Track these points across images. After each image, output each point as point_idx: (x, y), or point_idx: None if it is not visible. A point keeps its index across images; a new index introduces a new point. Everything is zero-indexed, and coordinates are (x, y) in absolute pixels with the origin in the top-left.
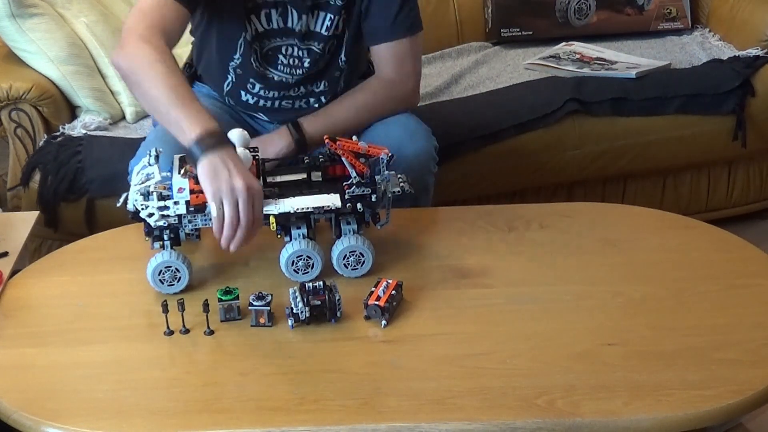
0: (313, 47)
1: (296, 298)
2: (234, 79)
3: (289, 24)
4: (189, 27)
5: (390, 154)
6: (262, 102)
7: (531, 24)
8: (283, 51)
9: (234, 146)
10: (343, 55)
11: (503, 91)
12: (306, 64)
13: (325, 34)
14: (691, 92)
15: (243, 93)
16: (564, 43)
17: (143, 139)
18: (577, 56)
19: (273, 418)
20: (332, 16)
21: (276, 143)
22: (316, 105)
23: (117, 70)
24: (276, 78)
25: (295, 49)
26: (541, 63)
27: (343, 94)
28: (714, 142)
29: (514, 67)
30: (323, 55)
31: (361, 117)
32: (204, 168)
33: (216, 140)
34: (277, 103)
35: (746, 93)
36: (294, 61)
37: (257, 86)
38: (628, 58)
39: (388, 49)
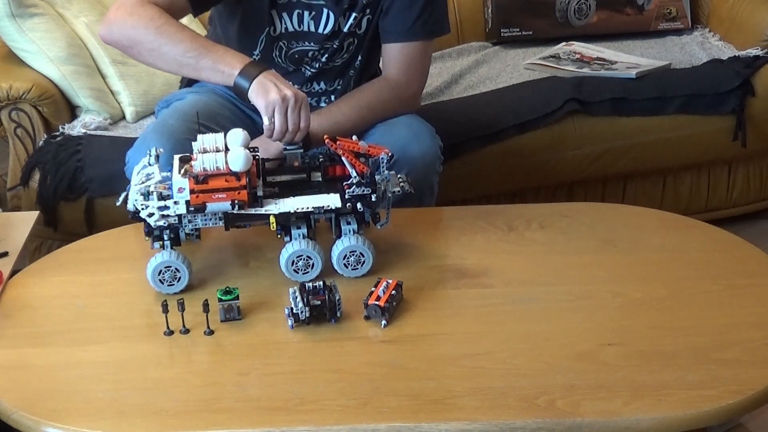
0: (334, 45)
1: (296, 298)
2: None
3: (320, 29)
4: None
5: (390, 154)
6: None
7: (531, 24)
8: (309, 55)
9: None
10: (361, 56)
11: (503, 91)
12: (324, 59)
13: (345, 31)
14: (691, 92)
15: None
16: (564, 43)
17: None
18: (577, 56)
19: (273, 418)
20: (356, 15)
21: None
22: (326, 103)
23: (114, 45)
24: (292, 70)
25: (319, 52)
26: (541, 63)
27: (348, 93)
28: (714, 142)
29: (514, 67)
30: (340, 53)
31: (364, 117)
32: (255, 90)
33: (256, 67)
34: None
35: (746, 93)
36: (314, 58)
37: None
38: (628, 58)
39: (399, 50)
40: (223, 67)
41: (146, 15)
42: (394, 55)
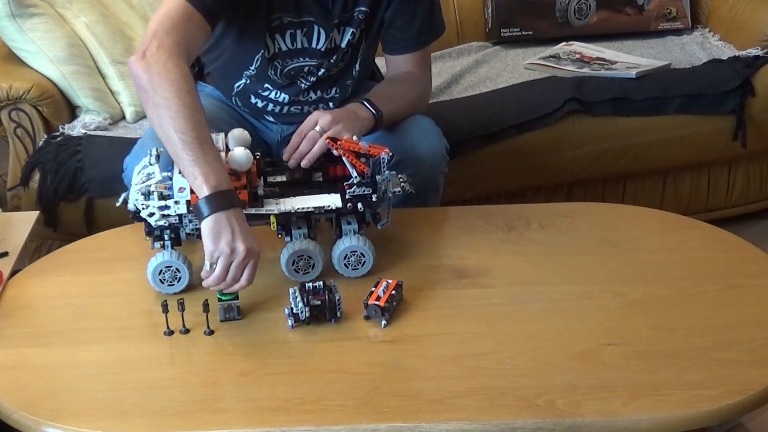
0: (331, 59)
1: (296, 298)
2: (247, 83)
3: (314, 44)
4: None
5: (390, 154)
6: (271, 106)
7: (531, 24)
8: (305, 70)
9: (241, 206)
10: (357, 65)
11: (503, 91)
12: (320, 73)
13: (343, 47)
14: (691, 92)
15: (252, 96)
16: (564, 43)
17: None
18: (577, 56)
19: (273, 418)
20: (354, 30)
21: (360, 115)
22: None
23: (134, 77)
24: (288, 84)
25: (316, 67)
26: (541, 63)
27: (389, 82)
28: (714, 142)
29: (514, 67)
30: (337, 64)
31: (407, 108)
32: (208, 227)
33: (225, 199)
34: (285, 108)
35: (746, 93)
36: (310, 72)
37: (268, 92)
38: (628, 58)
39: (411, 58)
40: (197, 175)
41: (179, 72)
42: (405, 62)
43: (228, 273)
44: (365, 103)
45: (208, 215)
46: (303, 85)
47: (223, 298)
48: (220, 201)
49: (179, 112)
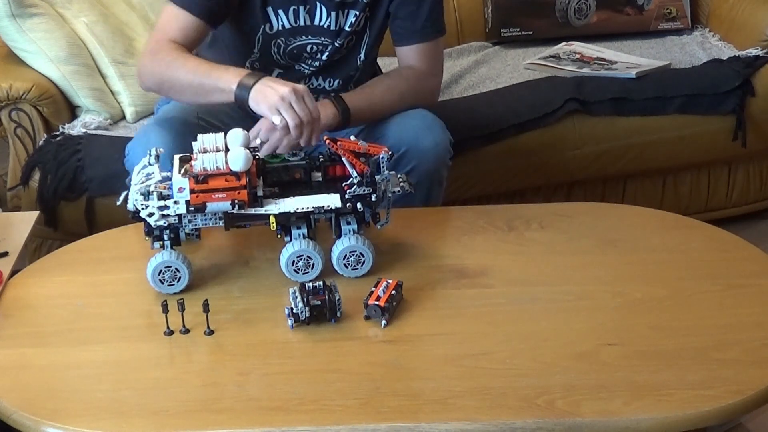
0: (335, 42)
1: (296, 298)
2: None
3: (317, 21)
4: None
5: (390, 153)
6: None
7: (531, 24)
8: (308, 50)
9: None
10: (362, 55)
11: (503, 91)
12: (324, 57)
13: (348, 30)
14: (691, 92)
15: None
16: (564, 43)
17: None
18: (577, 56)
19: (273, 418)
20: (357, 13)
21: (322, 112)
22: None
23: (151, 91)
24: (295, 66)
25: (319, 46)
26: (541, 63)
27: (378, 77)
28: (714, 142)
29: (514, 67)
30: (340, 49)
31: (394, 102)
32: (254, 99)
33: (252, 77)
34: None
35: (746, 93)
36: (314, 54)
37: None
38: (628, 58)
39: (416, 49)
40: (223, 84)
41: (160, 56)
42: (412, 54)
43: (298, 113)
44: (332, 97)
45: (248, 95)
46: (306, 71)
47: (272, 161)
48: (248, 80)
49: (179, 72)
